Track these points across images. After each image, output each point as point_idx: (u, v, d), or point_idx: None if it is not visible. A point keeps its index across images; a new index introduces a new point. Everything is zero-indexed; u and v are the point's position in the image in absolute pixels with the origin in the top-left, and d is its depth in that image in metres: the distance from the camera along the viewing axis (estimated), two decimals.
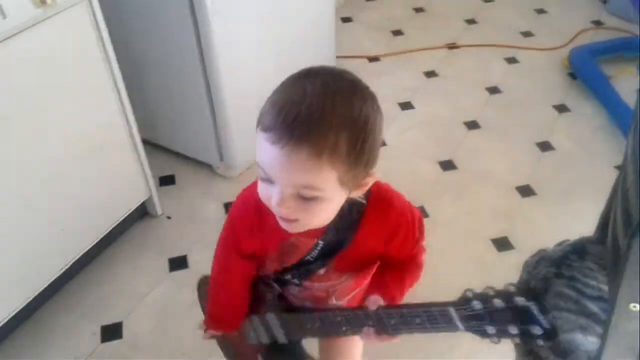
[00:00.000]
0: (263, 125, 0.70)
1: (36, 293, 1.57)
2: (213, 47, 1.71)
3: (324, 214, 0.77)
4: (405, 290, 0.95)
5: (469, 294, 0.69)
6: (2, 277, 1.46)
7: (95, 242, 1.70)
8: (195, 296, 1.25)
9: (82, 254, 1.67)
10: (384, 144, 2.23)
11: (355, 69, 2.80)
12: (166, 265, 1.77)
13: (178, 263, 1.78)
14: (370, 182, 0.78)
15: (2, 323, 1.50)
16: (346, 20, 2.98)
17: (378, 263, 0.96)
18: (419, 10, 3.05)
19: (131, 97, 1.63)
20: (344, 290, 0.98)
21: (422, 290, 1.50)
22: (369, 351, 1.18)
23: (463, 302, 0.69)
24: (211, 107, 1.87)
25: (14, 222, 1.43)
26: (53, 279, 1.61)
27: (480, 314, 0.68)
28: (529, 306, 0.64)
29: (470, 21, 2.94)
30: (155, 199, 1.88)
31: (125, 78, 1.59)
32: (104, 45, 1.47)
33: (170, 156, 2.12)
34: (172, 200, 1.97)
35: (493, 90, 2.47)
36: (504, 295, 0.66)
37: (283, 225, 0.79)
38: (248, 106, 2.03)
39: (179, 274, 1.75)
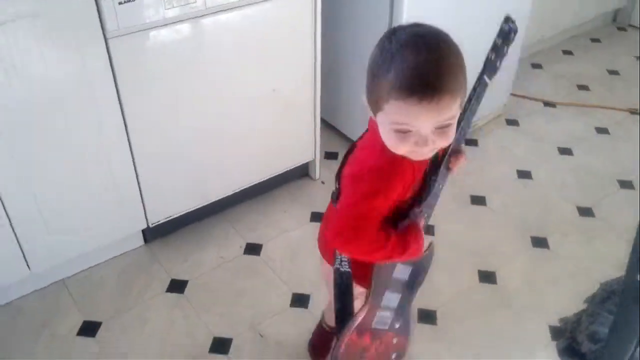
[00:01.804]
0: (403, 94, 0.88)
1: (210, 201, 2.04)
2: None
3: (453, 132, 0.98)
4: None
5: (489, 56, 0.98)
6: (193, 179, 1.94)
7: (263, 179, 2.13)
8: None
9: (251, 185, 2.10)
10: (530, 176, 2.37)
11: (526, 109, 2.96)
12: (309, 216, 2.14)
13: (319, 217, 2.13)
14: None
15: (182, 214, 1.99)
16: (536, 66, 3.13)
17: None
18: (613, 72, 3.08)
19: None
20: None
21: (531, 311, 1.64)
22: None
23: (486, 66, 0.98)
24: None
25: (213, 143, 1.90)
26: (225, 195, 2.06)
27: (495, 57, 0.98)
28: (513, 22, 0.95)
29: None
30: (317, 164, 2.27)
31: None
32: (315, 24, 1.89)
33: (339, 137, 2.51)
34: (330, 171, 2.34)
35: None
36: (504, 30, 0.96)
37: (416, 158, 0.99)
38: None
39: (317, 224, 2.10)
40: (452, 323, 1.79)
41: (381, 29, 2.04)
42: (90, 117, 1.60)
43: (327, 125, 2.50)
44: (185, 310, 1.80)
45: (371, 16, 2.09)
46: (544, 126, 2.66)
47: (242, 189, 2.09)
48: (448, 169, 1.10)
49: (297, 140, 2.14)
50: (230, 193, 2.07)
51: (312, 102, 2.07)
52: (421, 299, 1.82)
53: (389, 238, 1.08)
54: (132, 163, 1.76)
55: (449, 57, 0.91)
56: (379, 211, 1.06)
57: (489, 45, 1.05)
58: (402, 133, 0.93)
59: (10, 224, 1.62)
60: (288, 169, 2.19)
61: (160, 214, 1.93)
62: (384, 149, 1.00)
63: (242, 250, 2.01)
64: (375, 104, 0.96)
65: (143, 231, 1.99)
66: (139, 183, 1.81)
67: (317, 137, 2.18)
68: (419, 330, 1.76)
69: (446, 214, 2.16)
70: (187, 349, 1.69)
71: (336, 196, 1.15)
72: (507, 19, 0.95)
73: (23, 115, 1.49)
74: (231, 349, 1.69)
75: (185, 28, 1.63)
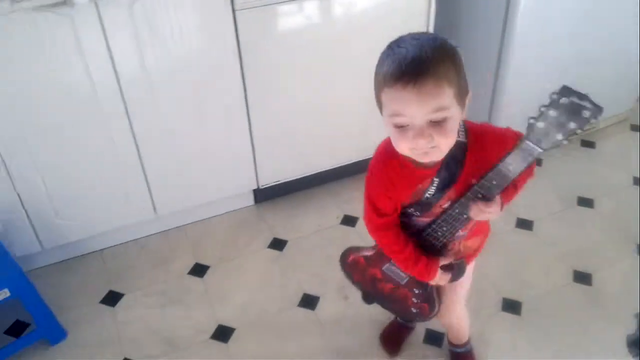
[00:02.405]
0: (391, 80, 0.95)
1: (315, 172, 2.20)
2: (513, 43, 2.05)
3: (453, 132, 1.00)
4: (520, 189, 1.19)
5: (531, 121, 0.92)
6: (302, 150, 2.10)
7: (366, 158, 2.22)
8: None
9: (354, 161, 2.21)
10: None
11: None
12: None
13: None
14: (469, 100, 1.03)
15: (289, 180, 2.17)
16: None
17: None
18: None
19: None
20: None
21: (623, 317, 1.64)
22: None
23: (530, 131, 0.93)
24: (493, 90, 2.22)
25: (322, 118, 2.04)
26: (330, 168, 2.21)
27: (548, 128, 0.91)
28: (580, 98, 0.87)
29: None
30: None
31: None
32: (429, 16, 1.97)
33: None
34: None
35: None
36: (556, 102, 0.89)
37: (420, 157, 1.03)
38: (526, 94, 2.29)
39: None
40: (536, 316, 1.78)
41: (495, 27, 2.07)
42: (215, 83, 1.81)
43: None
44: (281, 266, 1.97)
45: (486, 15, 2.12)
46: None
47: (345, 164, 2.21)
48: (468, 211, 1.11)
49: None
50: (334, 166, 2.20)
51: None
52: (507, 289, 1.85)
53: (405, 248, 1.22)
54: (248, 128, 1.95)
55: (437, 50, 0.95)
56: (384, 209, 1.19)
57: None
58: (401, 128, 0.98)
59: (143, 170, 1.88)
60: None
61: (270, 178, 2.11)
62: (386, 150, 1.11)
63: (339, 221, 2.14)
64: (378, 102, 1.03)
65: (254, 192, 2.18)
66: (253, 147, 2.00)
67: None
68: (500, 319, 1.78)
69: (549, 212, 2.13)
70: (278, 299, 1.86)
71: None
72: (566, 91, 0.89)
73: (162, 76, 1.73)
74: (317, 306, 1.83)
75: (309, 5, 1.78)
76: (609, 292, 1.85)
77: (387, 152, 1.12)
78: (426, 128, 0.97)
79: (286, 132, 2.02)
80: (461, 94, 0.99)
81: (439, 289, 1.40)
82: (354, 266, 1.47)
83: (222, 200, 2.13)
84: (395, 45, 1.00)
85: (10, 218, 1.79)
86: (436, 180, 1.12)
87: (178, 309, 1.85)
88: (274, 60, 1.85)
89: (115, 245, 2.07)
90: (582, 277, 1.89)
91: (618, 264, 1.93)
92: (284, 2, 1.73)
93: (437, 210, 1.18)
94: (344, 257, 1.48)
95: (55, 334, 1.77)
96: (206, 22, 1.70)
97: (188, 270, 1.98)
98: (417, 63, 0.94)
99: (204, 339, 1.76)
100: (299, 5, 1.76)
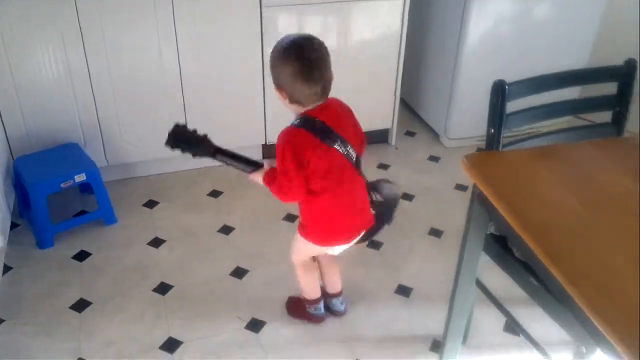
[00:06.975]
0: None
1: None
2: (466, 43, 2.78)
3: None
4: None
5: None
6: None
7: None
8: None
9: None
10: None
11: None
12: (376, 167, 2.93)
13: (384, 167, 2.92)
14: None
15: None
16: None
17: None
18: None
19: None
20: None
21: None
22: None
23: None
24: (451, 90, 2.92)
25: None
26: None
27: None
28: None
29: None
30: (394, 133, 3.05)
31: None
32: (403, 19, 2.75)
33: (416, 119, 3.33)
34: (405, 143, 3.11)
35: None
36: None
37: None
38: (477, 94, 2.98)
39: (383, 172, 2.89)
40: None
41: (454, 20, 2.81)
42: (240, 60, 2.61)
43: (406, 106, 3.36)
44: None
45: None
46: None
47: None
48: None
49: (381, 106, 2.93)
50: None
51: (394, 77, 2.88)
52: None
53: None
54: (262, 95, 2.71)
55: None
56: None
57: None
58: None
59: (185, 112, 2.66)
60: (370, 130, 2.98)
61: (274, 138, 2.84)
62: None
63: None
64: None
65: (262, 147, 2.91)
66: (265, 109, 2.75)
67: (395, 106, 2.96)
68: (369, 258, 2.38)
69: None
70: (273, 213, 2.56)
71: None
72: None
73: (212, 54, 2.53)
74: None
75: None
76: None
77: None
78: None
79: None
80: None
81: None
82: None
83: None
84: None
85: (89, 135, 2.56)
86: None
87: (197, 214, 2.58)
88: None
89: (158, 174, 2.82)
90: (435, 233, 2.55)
91: None
92: (304, 4, 2.53)
93: None
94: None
95: (109, 217, 2.50)
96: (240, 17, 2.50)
97: (208, 192, 2.71)
98: None
99: (212, 232, 2.48)
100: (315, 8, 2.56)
